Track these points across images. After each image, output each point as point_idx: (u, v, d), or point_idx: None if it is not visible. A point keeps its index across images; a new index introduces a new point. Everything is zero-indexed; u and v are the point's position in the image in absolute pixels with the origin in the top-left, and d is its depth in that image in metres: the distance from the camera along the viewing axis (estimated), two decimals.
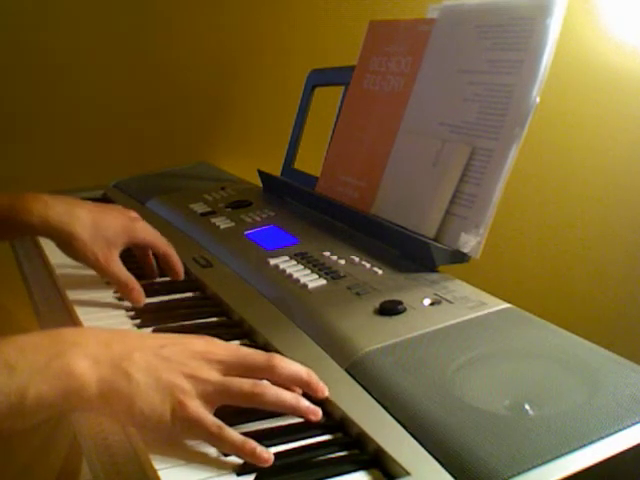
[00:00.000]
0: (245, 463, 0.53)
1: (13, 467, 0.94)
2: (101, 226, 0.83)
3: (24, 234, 0.86)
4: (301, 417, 0.58)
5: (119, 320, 0.79)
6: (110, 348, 0.56)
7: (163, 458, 0.54)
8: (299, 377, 0.59)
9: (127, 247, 0.86)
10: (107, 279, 0.84)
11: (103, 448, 0.58)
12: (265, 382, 0.58)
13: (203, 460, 0.54)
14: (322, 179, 1.10)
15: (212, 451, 0.55)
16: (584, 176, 1.48)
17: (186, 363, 0.57)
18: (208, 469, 0.53)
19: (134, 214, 0.90)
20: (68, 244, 0.83)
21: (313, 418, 0.58)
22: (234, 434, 0.54)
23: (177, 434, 0.55)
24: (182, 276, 0.89)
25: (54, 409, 0.53)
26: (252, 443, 0.53)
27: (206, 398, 0.56)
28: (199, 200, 1.17)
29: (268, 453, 0.53)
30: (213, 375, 0.57)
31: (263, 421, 0.59)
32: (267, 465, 0.53)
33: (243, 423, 0.58)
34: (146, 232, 0.88)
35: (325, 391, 0.60)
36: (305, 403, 0.58)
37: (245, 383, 0.56)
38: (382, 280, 0.80)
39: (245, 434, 0.55)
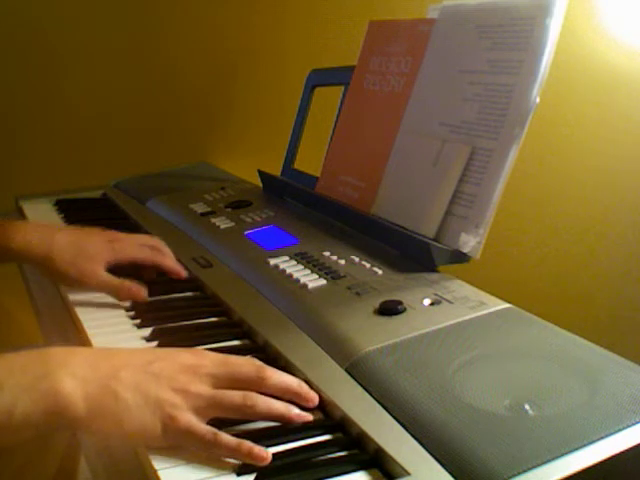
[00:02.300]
0: (244, 463, 0.53)
1: (10, 468, 0.94)
2: (81, 247, 0.84)
3: (5, 261, 0.87)
4: (292, 423, 0.58)
5: (119, 320, 0.79)
6: (97, 368, 0.56)
7: (163, 458, 0.54)
8: (290, 388, 0.60)
9: (111, 265, 0.85)
10: (99, 291, 0.83)
11: (103, 448, 0.58)
12: (255, 394, 0.58)
13: (203, 460, 0.54)
14: (322, 179, 1.10)
15: None
16: (584, 176, 1.48)
17: (175, 378, 0.57)
18: (208, 469, 0.53)
19: (113, 234, 0.89)
20: (50, 268, 0.83)
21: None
22: (229, 438, 0.54)
23: (170, 445, 0.55)
24: (183, 274, 0.89)
25: (41, 428, 0.53)
26: (247, 444, 0.53)
27: (198, 411, 0.56)
28: (199, 200, 1.17)
29: (266, 452, 0.53)
30: (203, 389, 0.57)
31: (263, 421, 0.59)
32: (265, 464, 0.53)
33: (244, 423, 0.58)
34: (126, 250, 0.87)
35: (316, 400, 0.60)
36: (296, 411, 0.58)
37: (236, 396, 0.57)
38: (382, 280, 0.80)
39: (245, 435, 0.55)
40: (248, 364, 0.60)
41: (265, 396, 0.58)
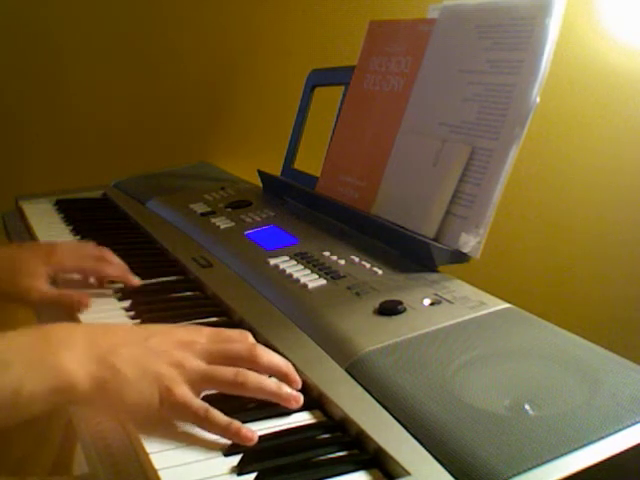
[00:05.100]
0: (233, 444, 0.55)
1: (8, 461, 0.95)
2: (18, 264, 0.83)
3: None
4: (282, 403, 0.59)
5: (119, 320, 0.79)
6: (97, 344, 0.58)
7: (163, 458, 0.54)
8: (278, 368, 0.62)
9: (54, 273, 0.84)
10: (43, 305, 0.82)
11: (102, 447, 0.58)
12: (247, 371, 0.59)
13: (203, 460, 0.54)
14: (322, 179, 1.10)
15: (214, 452, 0.55)
16: (584, 176, 1.47)
17: (171, 353, 0.59)
18: (209, 469, 0.53)
19: (51, 247, 0.88)
20: None
21: (294, 405, 0.60)
22: (220, 416, 0.56)
23: (166, 419, 0.57)
24: (135, 282, 0.87)
25: (47, 404, 0.55)
26: (237, 424, 0.56)
27: (192, 384, 0.58)
28: (199, 200, 1.17)
29: (252, 433, 0.55)
30: (198, 364, 0.59)
31: (266, 420, 0.59)
32: (251, 444, 0.55)
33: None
34: (65, 261, 0.86)
35: (299, 383, 0.62)
36: (286, 389, 0.60)
37: (228, 372, 0.59)
38: (382, 280, 0.80)
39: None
40: (241, 341, 0.63)
41: (257, 374, 0.60)
